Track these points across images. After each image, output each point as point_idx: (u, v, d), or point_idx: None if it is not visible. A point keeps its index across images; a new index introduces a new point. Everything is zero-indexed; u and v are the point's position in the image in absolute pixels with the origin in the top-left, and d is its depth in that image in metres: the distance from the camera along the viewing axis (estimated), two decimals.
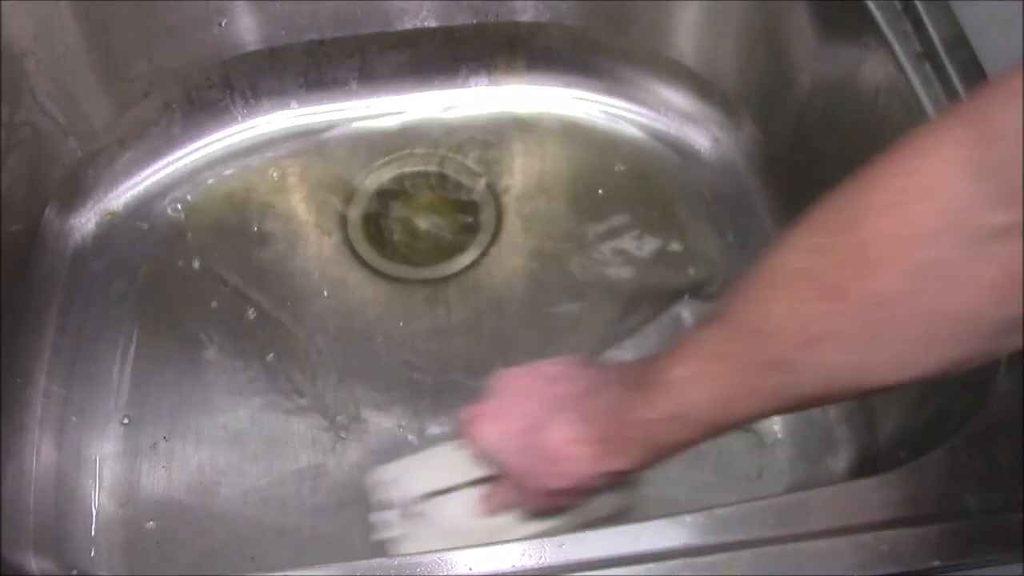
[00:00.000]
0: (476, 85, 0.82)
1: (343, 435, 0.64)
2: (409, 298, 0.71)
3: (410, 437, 0.64)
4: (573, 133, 0.81)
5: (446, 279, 0.72)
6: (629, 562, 0.41)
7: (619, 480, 0.47)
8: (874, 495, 0.43)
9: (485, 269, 0.72)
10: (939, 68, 0.58)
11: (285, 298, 0.71)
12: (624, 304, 0.70)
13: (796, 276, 0.37)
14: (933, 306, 0.33)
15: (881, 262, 0.34)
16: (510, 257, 0.73)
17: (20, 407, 0.63)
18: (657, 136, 0.81)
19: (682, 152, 0.80)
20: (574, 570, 0.41)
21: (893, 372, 0.35)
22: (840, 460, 0.62)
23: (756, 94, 0.76)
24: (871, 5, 0.62)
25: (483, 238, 0.74)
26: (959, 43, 0.58)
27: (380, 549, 0.54)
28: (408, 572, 0.41)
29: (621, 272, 0.72)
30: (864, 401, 0.61)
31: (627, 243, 0.74)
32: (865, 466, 0.60)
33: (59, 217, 0.73)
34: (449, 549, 0.42)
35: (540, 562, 0.41)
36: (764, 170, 0.76)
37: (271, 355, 0.68)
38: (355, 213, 0.75)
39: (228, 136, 0.79)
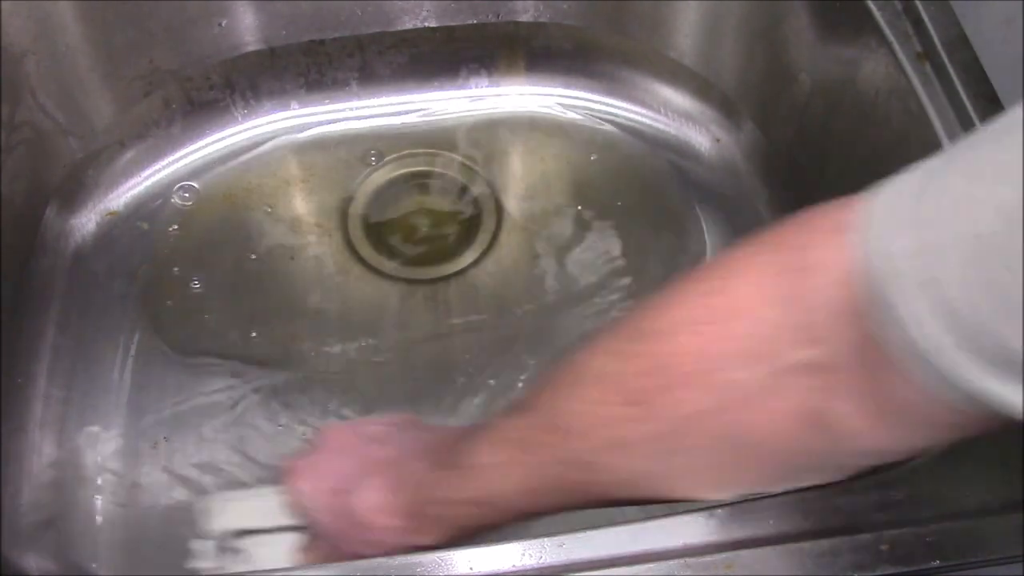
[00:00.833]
0: (476, 85, 0.82)
1: None
2: (409, 298, 0.71)
3: None
4: (573, 133, 0.81)
5: (446, 279, 0.72)
6: (629, 562, 0.41)
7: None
8: (874, 495, 0.43)
9: (485, 269, 0.72)
10: (939, 68, 0.58)
11: (285, 298, 0.71)
12: (624, 304, 0.70)
13: (601, 379, 0.36)
14: (734, 427, 0.33)
15: (684, 377, 0.33)
16: (510, 257, 0.73)
17: (20, 407, 0.63)
18: (657, 136, 0.81)
19: (682, 152, 0.80)
20: (574, 570, 0.41)
21: (701, 486, 0.36)
22: None
23: (756, 94, 0.76)
24: (871, 5, 0.62)
25: (483, 238, 0.74)
26: (959, 43, 0.58)
27: None
28: (408, 572, 0.41)
29: (621, 272, 0.72)
30: None
31: (627, 243, 0.74)
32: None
33: (59, 217, 0.73)
34: (451, 550, 0.42)
35: (540, 562, 0.41)
36: (764, 170, 0.76)
37: (271, 355, 0.68)
38: (355, 213, 0.75)
39: (228, 136, 0.79)
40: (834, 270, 0.30)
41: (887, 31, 0.61)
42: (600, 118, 0.81)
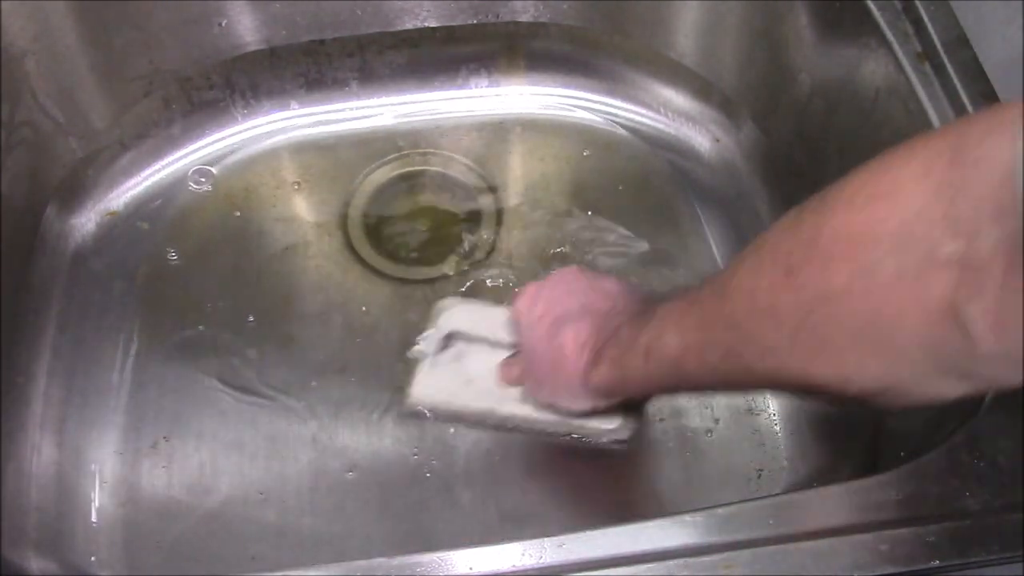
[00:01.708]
0: (476, 85, 0.82)
1: (343, 435, 0.64)
2: (409, 298, 0.71)
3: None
4: (573, 133, 0.81)
5: (446, 279, 0.72)
6: (629, 562, 0.41)
7: (596, 401, 0.53)
8: (874, 495, 0.43)
9: (485, 269, 0.72)
10: (939, 68, 0.58)
11: (285, 298, 0.71)
12: None
13: (763, 247, 0.38)
14: (876, 310, 0.33)
15: (835, 252, 0.34)
16: (510, 257, 0.73)
17: (20, 407, 0.63)
18: (657, 136, 0.81)
19: (682, 152, 0.80)
20: (574, 570, 0.41)
21: (838, 367, 0.36)
22: (840, 460, 0.62)
23: (756, 94, 0.76)
24: (871, 5, 0.62)
25: (483, 238, 0.74)
26: (959, 43, 0.58)
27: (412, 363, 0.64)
28: (408, 572, 0.41)
29: (621, 272, 0.72)
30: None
31: (627, 243, 0.74)
32: (865, 466, 0.60)
33: (59, 217, 0.73)
34: (451, 549, 0.42)
35: (540, 562, 0.41)
36: (764, 170, 0.76)
37: (271, 355, 0.68)
38: (355, 213, 0.75)
39: (228, 136, 0.79)
40: (1000, 167, 0.30)
41: (887, 31, 0.61)
42: (600, 118, 0.81)
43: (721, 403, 0.65)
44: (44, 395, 0.65)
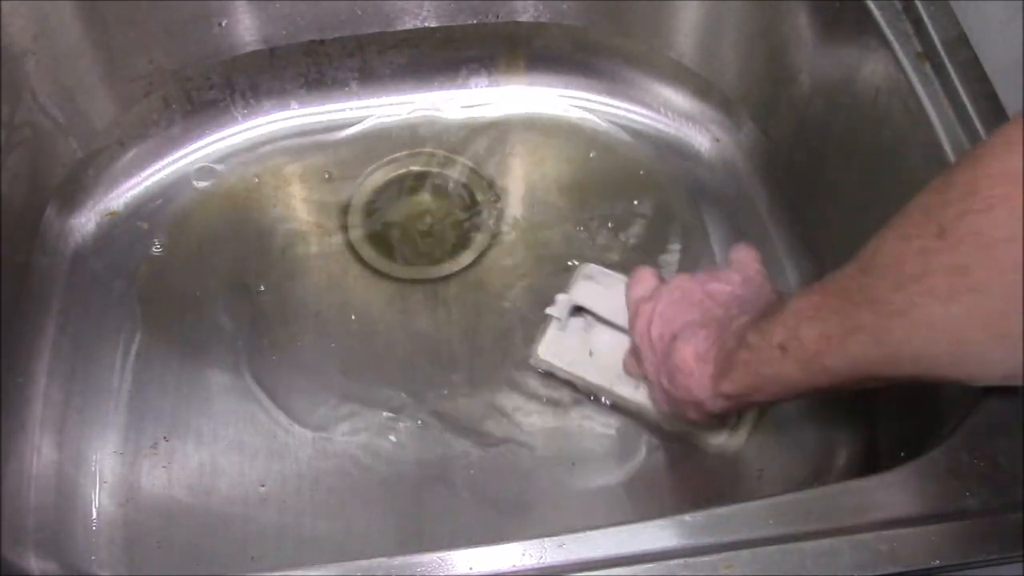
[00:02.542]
0: (476, 85, 0.82)
1: (343, 435, 0.64)
2: (409, 298, 0.71)
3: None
4: (573, 133, 0.81)
5: (446, 279, 0.72)
6: (629, 562, 0.41)
7: (726, 409, 0.51)
8: (874, 495, 0.43)
9: (485, 269, 0.72)
10: (939, 68, 0.58)
11: (285, 298, 0.71)
12: None
13: (911, 211, 0.36)
14: None
15: (990, 201, 0.33)
16: (510, 257, 0.73)
17: (20, 407, 0.63)
18: (657, 136, 0.81)
19: (682, 152, 0.80)
20: (574, 570, 0.41)
21: (987, 338, 0.34)
22: (840, 460, 0.62)
23: (756, 94, 0.76)
24: (871, 5, 0.62)
25: (483, 238, 0.74)
26: (959, 43, 0.58)
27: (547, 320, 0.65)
28: (408, 572, 0.41)
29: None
30: (864, 400, 0.61)
31: (627, 243, 0.74)
32: (865, 466, 0.60)
33: (59, 217, 0.73)
34: (451, 549, 0.42)
35: (540, 562, 0.41)
36: (764, 170, 0.76)
37: (271, 355, 0.68)
38: (355, 213, 0.75)
39: (228, 136, 0.79)
40: None
41: (887, 31, 0.61)
42: (600, 118, 0.81)
43: None
44: (44, 395, 0.65)
